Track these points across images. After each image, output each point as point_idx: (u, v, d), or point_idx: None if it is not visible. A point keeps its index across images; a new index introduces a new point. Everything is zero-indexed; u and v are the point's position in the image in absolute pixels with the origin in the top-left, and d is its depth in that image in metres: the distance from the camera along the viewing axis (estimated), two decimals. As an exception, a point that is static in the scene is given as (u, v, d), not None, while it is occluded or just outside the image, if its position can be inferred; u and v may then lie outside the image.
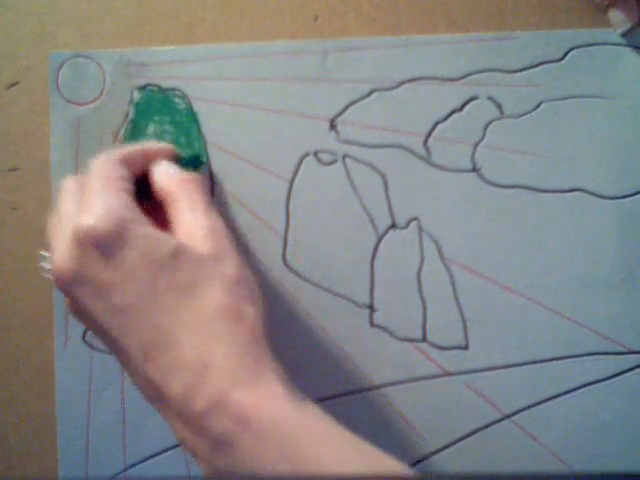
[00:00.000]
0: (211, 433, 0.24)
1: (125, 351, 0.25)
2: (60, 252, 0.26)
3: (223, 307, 0.25)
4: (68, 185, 0.28)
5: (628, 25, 0.31)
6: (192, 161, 0.33)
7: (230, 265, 0.26)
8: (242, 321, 0.25)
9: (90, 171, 0.28)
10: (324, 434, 0.24)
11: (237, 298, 0.26)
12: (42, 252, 0.30)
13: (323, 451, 0.23)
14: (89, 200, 0.26)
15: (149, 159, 0.30)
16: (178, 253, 0.26)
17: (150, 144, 0.32)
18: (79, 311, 0.26)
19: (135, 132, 0.34)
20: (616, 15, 0.32)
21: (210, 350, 0.24)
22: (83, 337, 0.33)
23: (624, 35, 0.32)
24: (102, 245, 0.25)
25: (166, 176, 0.29)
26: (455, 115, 0.33)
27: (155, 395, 0.25)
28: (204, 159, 0.33)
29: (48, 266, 0.28)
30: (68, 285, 0.26)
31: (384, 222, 0.33)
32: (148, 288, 0.25)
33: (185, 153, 0.33)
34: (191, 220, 0.27)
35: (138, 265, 0.25)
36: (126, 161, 0.29)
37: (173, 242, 0.26)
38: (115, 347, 0.26)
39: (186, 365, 0.24)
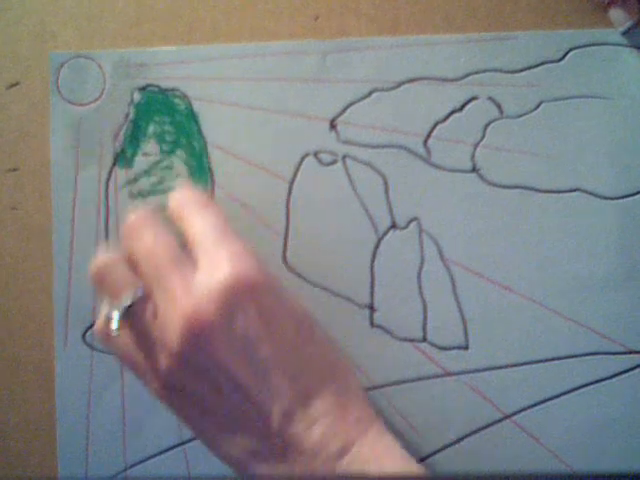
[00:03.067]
0: (338, 471, 0.25)
1: (260, 407, 0.25)
2: (204, 297, 0.24)
3: (349, 367, 0.28)
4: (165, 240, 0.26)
5: (629, 23, 0.31)
6: None
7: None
8: (358, 380, 0.29)
9: (195, 221, 0.27)
10: None
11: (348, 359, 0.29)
12: (114, 311, 0.26)
13: None
14: (228, 243, 0.25)
15: None
16: (308, 311, 0.27)
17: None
18: (202, 361, 0.25)
19: (135, 132, 0.34)
20: (617, 13, 0.32)
21: (347, 403, 0.26)
22: (83, 337, 0.33)
23: (625, 33, 0.32)
24: (254, 295, 0.25)
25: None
26: (455, 115, 0.33)
27: (277, 449, 0.25)
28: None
29: (115, 324, 0.25)
30: (209, 331, 0.24)
31: (384, 222, 0.33)
32: (291, 342, 0.26)
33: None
34: None
35: (286, 319, 0.26)
36: None
37: (300, 301, 0.27)
38: (241, 405, 0.25)
39: (327, 416, 0.26)
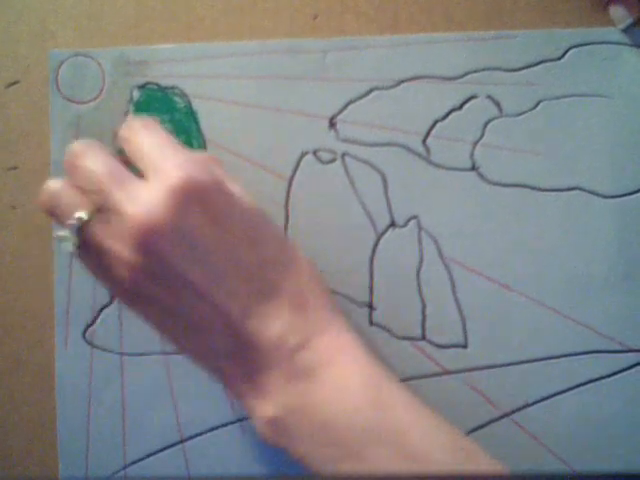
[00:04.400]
0: (296, 364, 0.26)
1: (218, 308, 0.26)
2: (150, 203, 0.25)
3: (309, 263, 0.28)
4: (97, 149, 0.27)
5: (629, 20, 0.31)
6: None
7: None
8: (320, 276, 0.29)
9: (134, 134, 0.28)
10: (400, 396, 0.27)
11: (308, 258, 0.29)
12: (60, 232, 0.27)
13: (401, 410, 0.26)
14: (174, 154, 0.26)
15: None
16: (262, 211, 0.27)
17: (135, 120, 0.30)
18: (157, 268, 0.25)
19: (135, 131, 0.34)
20: (617, 10, 0.32)
21: (305, 300, 0.27)
22: (83, 336, 0.34)
23: (625, 30, 0.32)
24: (203, 197, 0.25)
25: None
26: (454, 114, 0.33)
27: (237, 346, 0.26)
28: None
29: (70, 240, 0.26)
30: (158, 237, 0.24)
31: (383, 221, 0.33)
32: (247, 243, 0.26)
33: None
34: None
35: (236, 218, 0.26)
36: None
37: (254, 201, 0.28)
38: (199, 307, 0.26)
39: (284, 312, 0.26)
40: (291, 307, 0.27)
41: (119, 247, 0.25)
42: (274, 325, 0.26)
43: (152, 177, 0.26)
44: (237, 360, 0.27)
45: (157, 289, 0.26)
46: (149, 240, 0.25)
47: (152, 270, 0.25)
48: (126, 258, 0.25)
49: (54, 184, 0.27)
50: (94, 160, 0.27)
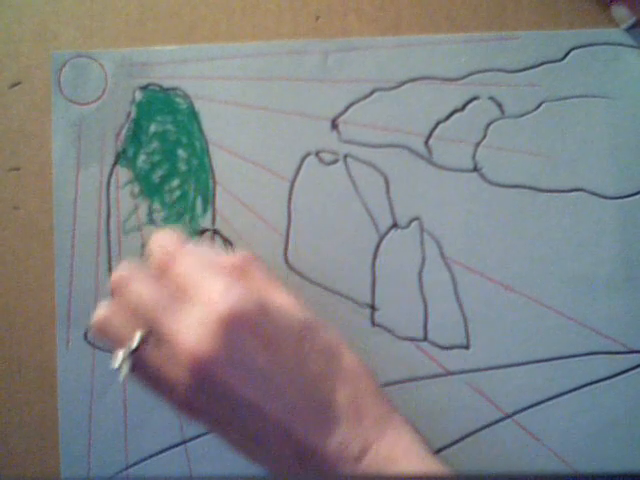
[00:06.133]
0: (360, 472, 0.26)
1: (278, 424, 0.26)
2: (201, 335, 0.25)
3: (358, 364, 0.28)
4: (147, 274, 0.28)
5: (632, 20, 0.31)
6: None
7: (332, 327, 0.29)
8: (370, 374, 0.28)
9: (176, 256, 0.28)
10: None
11: (357, 356, 0.29)
12: (118, 354, 0.27)
13: None
14: (215, 279, 0.27)
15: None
16: (306, 320, 0.28)
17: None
18: (214, 392, 0.26)
19: (137, 132, 0.34)
20: (620, 10, 0.32)
21: (361, 406, 0.27)
22: (85, 337, 0.34)
23: (628, 30, 0.32)
24: (250, 325, 0.26)
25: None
26: (456, 115, 0.33)
27: (301, 459, 0.26)
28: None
29: (124, 367, 0.27)
30: (212, 366, 0.25)
31: (385, 222, 0.33)
32: (296, 358, 0.27)
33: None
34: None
35: (284, 338, 0.27)
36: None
37: (298, 309, 0.28)
38: (260, 424, 0.26)
39: (342, 422, 0.27)
40: (348, 416, 0.27)
41: (175, 371, 0.26)
42: (335, 435, 0.26)
43: (197, 305, 0.26)
44: (301, 467, 0.27)
45: (216, 408, 0.26)
46: (205, 367, 0.25)
47: (209, 393, 0.26)
48: (183, 381, 0.26)
49: (105, 308, 0.28)
50: (140, 285, 0.27)
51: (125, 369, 0.27)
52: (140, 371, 0.27)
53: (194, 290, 0.27)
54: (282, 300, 0.28)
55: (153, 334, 0.27)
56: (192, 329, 0.26)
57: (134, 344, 0.27)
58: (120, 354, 0.27)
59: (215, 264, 0.28)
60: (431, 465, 0.27)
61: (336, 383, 0.27)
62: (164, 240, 0.29)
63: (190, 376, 0.26)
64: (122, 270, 0.28)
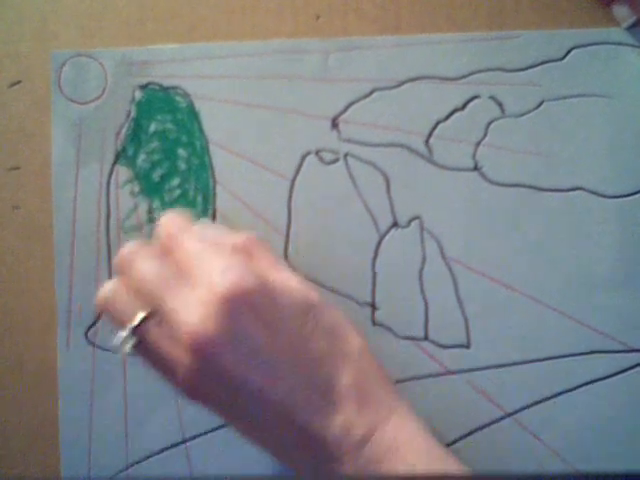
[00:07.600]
0: (363, 456, 0.26)
1: (281, 405, 0.26)
2: (202, 314, 0.25)
3: (363, 346, 0.28)
4: (153, 251, 0.28)
5: (633, 19, 0.31)
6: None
7: (337, 308, 0.28)
8: (375, 358, 0.28)
9: (175, 235, 0.28)
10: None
11: (364, 338, 0.28)
12: (120, 332, 0.27)
13: None
14: (216, 257, 0.26)
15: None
16: (310, 300, 0.27)
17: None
18: (216, 372, 0.26)
19: (137, 131, 0.34)
20: (621, 9, 0.32)
21: (365, 389, 0.27)
22: (85, 336, 0.34)
23: (629, 29, 0.32)
24: (251, 303, 0.26)
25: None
26: (457, 114, 0.33)
27: (303, 440, 0.26)
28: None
29: (126, 345, 0.27)
30: (214, 345, 0.25)
31: (386, 221, 0.33)
32: (298, 339, 0.26)
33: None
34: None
35: (286, 317, 0.26)
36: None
37: (301, 289, 0.27)
38: (262, 405, 0.26)
39: (346, 405, 0.26)
40: (352, 399, 0.27)
41: (176, 351, 0.26)
42: (338, 419, 0.26)
43: (199, 284, 0.26)
44: (304, 452, 0.27)
45: (217, 389, 0.26)
46: (205, 348, 0.25)
47: (211, 373, 0.26)
48: (184, 362, 0.26)
49: (109, 286, 0.28)
50: (144, 263, 0.28)
51: (127, 347, 0.27)
52: (142, 350, 0.27)
53: (196, 270, 0.27)
54: (286, 280, 0.28)
55: (156, 313, 0.27)
56: (193, 309, 0.26)
57: (136, 322, 0.27)
58: (122, 332, 0.27)
59: (219, 244, 0.28)
60: (437, 453, 0.27)
61: (339, 364, 0.27)
62: (170, 221, 0.29)
63: (190, 356, 0.25)
64: (127, 249, 0.28)
